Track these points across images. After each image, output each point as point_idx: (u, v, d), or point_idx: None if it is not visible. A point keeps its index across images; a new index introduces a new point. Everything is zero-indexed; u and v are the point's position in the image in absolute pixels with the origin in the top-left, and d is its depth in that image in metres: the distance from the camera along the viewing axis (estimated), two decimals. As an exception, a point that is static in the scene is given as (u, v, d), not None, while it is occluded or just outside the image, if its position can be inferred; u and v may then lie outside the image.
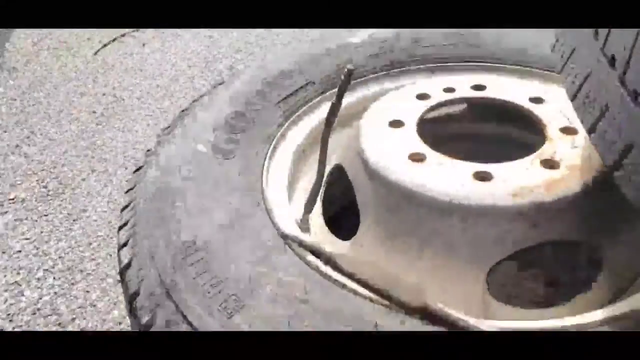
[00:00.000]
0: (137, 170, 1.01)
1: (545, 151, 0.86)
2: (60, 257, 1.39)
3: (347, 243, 0.92)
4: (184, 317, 0.69)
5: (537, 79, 1.14)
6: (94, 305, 1.24)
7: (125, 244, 0.85)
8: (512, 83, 1.10)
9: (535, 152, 0.87)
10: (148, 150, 1.06)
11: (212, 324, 0.67)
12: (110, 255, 1.39)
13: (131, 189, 0.97)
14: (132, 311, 0.77)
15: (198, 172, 0.93)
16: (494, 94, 1.03)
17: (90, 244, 1.44)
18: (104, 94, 2.20)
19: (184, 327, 0.69)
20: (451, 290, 0.79)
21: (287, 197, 0.97)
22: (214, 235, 0.79)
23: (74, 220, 1.52)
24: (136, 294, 0.77)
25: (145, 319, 0.73)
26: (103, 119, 2.02)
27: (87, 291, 1.29)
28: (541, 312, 0.81)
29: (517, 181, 0.80)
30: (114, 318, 1.21)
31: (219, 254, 0.76)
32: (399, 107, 1.01)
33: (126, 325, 1.20)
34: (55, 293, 1.28)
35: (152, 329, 0.71)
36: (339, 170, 1.01)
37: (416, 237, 0.82)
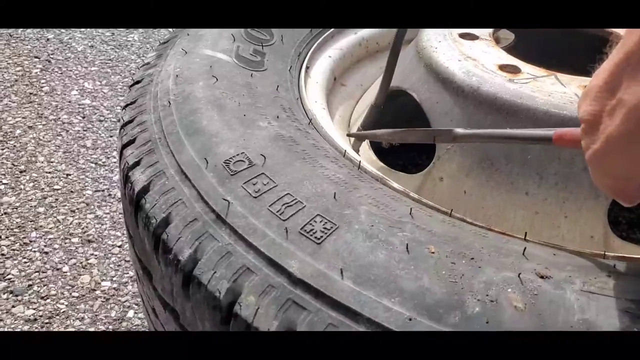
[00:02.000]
0: (136, 83, 0.79)
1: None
2: (5, 214, 1.11)
3: (415, 176, 0.75)
4: (250, 245, 0.50)
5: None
6: (58, 269, 0.99)
7: (136, 164, 0.64)
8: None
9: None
10: (146, 64, 0.84)
11: (292, 250, 0.48)
12: (73, 212, 1.13)
13: (132, 103, 0.75)
14: (158, 247, 0.56)
15: (226, 82, 0.72)
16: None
17: (45, 198, 1.17)
18: (47, 39, 1.88)
19: (250, 257, 0.49)
20: (566, 227, 0.64)
21: (331, 122, 0.78)
22: (268, 149, 0.60)
23: (20, 172, 1.24)
24: (165, 223, 0.56)
25: (185, 254, 0.52)
26: (49, 65, 1.71)
27: (46, 252, 1.03)
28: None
29: None
30: (84, 284, 0.96)
31: (283, 170, 0.57)
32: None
33: (101, 291, 0.96)
34: (2, 254, 1.02)
35: (198, 266, 0.51)
36: (393, 96, 0.83)
37: (521, 165, 0.66)
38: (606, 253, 0.51)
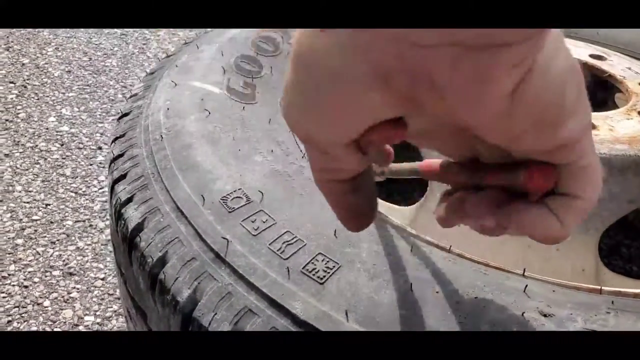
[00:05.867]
0: (124, 116, 0.78)
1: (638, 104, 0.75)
2: (-19, 246, 1.08)
3: (406, 209, 0.75)
4: (251, 285, 0.49)
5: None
6: (38, 304, 0.96)
7: (129, 200, 0.62)
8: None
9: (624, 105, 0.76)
10: (134, 96, 0.83)
11: (294, 291, 0.48)
12: (53, 244, 1.10)
13: (121, 136, 0.73)
14: (154, 286, 0.55)
15: (219, 115, 0.72)
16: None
17: (24, 229, 1.13)
18: (23, 64, 1.85)
19: (252, 299, 0.48)
20: (558, 260, 0.65)
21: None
22: (265, 185, 0.59)
23: (-2, 202, 1.21)
24: (162, 262, 0.55)
25: (184, 295, 0.51)
26: (25, 90, 1.68)
27: (26, 286, 1.00)
28: (654, 283, 0.69)
29: (624, 131, 0.68)
30: (66, 319, 0.93)
31: (281, 206, 0.57)
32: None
33: (84, 327, 0.93)
34: (-22, 289, 0.98)
35: (198, 307, 0.50)
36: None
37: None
38: (603, 288, 0.52)
